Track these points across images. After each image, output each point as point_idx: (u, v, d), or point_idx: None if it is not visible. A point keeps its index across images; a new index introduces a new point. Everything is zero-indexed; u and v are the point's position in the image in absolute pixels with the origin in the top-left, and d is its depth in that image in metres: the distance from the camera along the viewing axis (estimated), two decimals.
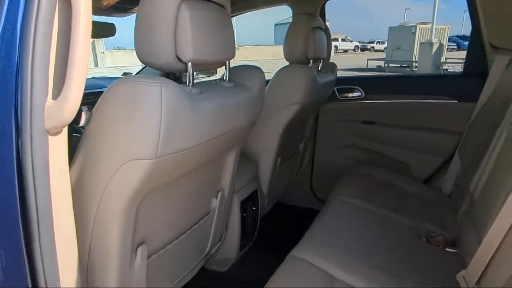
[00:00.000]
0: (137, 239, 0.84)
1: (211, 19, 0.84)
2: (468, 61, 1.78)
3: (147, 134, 0.66)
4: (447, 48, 15.60)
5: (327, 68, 1.84)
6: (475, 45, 1.71)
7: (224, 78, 0.99)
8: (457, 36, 26.08)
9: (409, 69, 14.23)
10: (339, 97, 2.04)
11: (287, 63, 1.60)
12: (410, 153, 1.91)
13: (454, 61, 14.13)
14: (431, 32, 13.69)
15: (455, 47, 23.31)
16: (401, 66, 14.76)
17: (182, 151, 0.75)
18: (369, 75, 2.08)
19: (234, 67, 1.07)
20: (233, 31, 0.94)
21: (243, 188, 1.45)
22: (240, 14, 2.13)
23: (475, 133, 1.61)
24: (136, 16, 0.78)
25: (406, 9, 30.69)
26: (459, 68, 13.51)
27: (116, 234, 0.74)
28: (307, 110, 1.61)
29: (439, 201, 1.63)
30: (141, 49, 0.78)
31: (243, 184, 1.44)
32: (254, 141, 1.55)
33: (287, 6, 1.99)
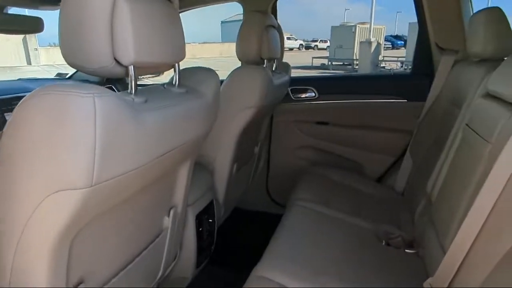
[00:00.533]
0: (73, 281, 0.69)
1: (156, 14, 0.71)
2: (416, 61, 1.83)
3: (77, 157, 0.52)
4: (384, 47, 16.64)
5: (281, 68, 1.78)
6: (422, 46, 1.75)
7: (173, 83, 0.86)
8: (391, 35, 27.96)
9: (350, 66, 14.92)
10: (292, 98, 1.99)
11: (236, 61, 1.51)
12: (363, 152, 1.92)
13: (391, 59, 15.17)
14: (369, 31, 14.48)
15: (390, 46, 24.98)
16: (343, 64, 15.43)
17: (124, 174, 0.62)
18: (323, 75, 2.08)
19: (185, 69, 0.94)
20: (182, 29, 0.81)
21: (198, 200, 1.33)
22: (187, 10, 1.99)
23: (425, 132, 1.65)
24: (60, 9, 0.62)
25: (346, 9, 32.20)
26: (395, 66, 14.53)
27: (43, 283, 0.59)
28: (263, 112, 1.53)
29: (393, 200, 1.65)
30: (68, 50, 0.63)
31: (197, 196, 1.32)
32: (208, 149, 1.43)
33: (237, 3, 1.89)
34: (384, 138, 1.85)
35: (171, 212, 1.05)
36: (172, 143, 0.78)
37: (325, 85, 1.98)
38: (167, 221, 1.05)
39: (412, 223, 1.41)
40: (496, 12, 1.22)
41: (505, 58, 1.26)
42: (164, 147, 0.75)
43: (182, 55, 0.82)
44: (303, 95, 1.99)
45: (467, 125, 1.10)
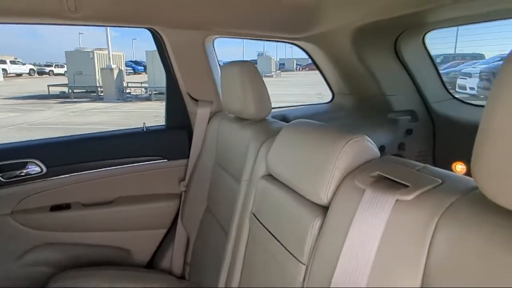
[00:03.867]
0: None
1: None
2: (169, 114, 1.57)
3: None
4: (126, 73, 16.46)
5: None
6: (174, 97, 1.51)
7: None
8: (131, 61, 28.37)
9: (94, 94, 13.81)
10: (2, 179, 1.29)
11: None
12: (126, 234, 1.48)
13: (135, 85, 15.15)
14: (109, 58, 13.90)
15: (132, 71, 25.22)
16: (86, 92, 14.06)
17: None
18: (50, 139, 1.44)
19: None
20: None
21: None
22: None
23: (194, 197, 1.42)
24: None
25: (80, 33, 29.59)
26: (140, 92, 14.62)
27: None
28: None
29: None
30: None
31: None
32: None
33: None
34: (148, 210, 1.48)
35: None
36: None
37: (57, 152, 1.40)
38: None
39: None
40: (248, 67, 1.10)
41: (267, 118, 1.19)
42: None
43: None
44: (22, 172, 1.33)
45: (254, 215, 0.90)
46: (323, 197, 0.66)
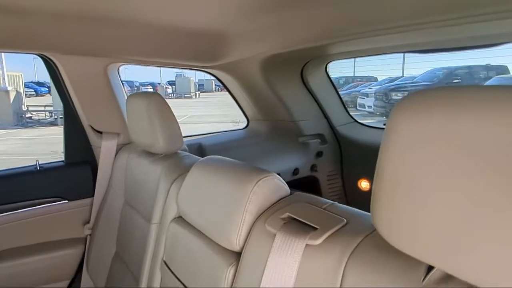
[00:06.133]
0: None
1: None
2: (68, 149, 1.40)
3: None
4: (26, 95, 14.74)
5: None
6: (73, 129, 1.36)
7: None
8: (33, 82, 25.55)
9: None
10: None
11: None
12: None
13: (38, 109, 13.59)
14: (3, 79, 12.28)
15: (34, 93, 22.69)
16: None
17: None
18: None
19: None
20: None
21: None
22: None
23: (101, 244, 1.27)
24: None
25: None
26: (43, 116, 13.16)
27: None
28: None
29: None
30: None
31: None
32: None
33: None
34: (46, 261, 1.28)
35: None
36: None
37: None
38: None
39: None
40: (155, 100, 1.05)
41: (180, 151, 1.13)
42: None
43: None
44: None
45: (165, 263, 0.83)
46: (235, 243, 0.63)
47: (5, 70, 12.44)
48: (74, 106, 1.32)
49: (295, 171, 1.78)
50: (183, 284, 0.74)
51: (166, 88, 27.24)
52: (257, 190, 0.64)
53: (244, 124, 2.00)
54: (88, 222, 1.35)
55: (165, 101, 1.07)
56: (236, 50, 1.35)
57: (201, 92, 32.53)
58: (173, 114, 1.07)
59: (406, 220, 0.37)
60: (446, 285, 0.39)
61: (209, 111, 15.09)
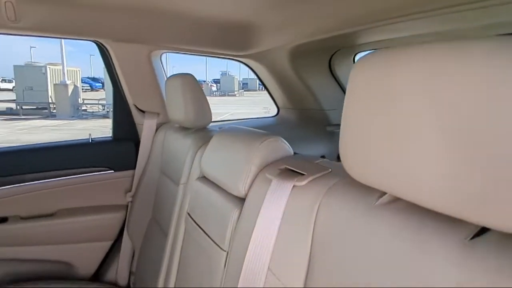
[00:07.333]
0: None
1: None
2: (116, 125, 1.60)
3: None
4: (82, 89, 15.89)
5: None
6: (121, 108, 1.55)
7: None
8: (89, 77, 27.46)
9: (46, 110, 13.16)
10: None
11: None
12: (69, 247, 1.46)
13: (92, 102, 14.67)
14: (63, 73, 13.37)
15: (89, 88, 24.39)
16: (37, 108, 13.36)
17: None
18: None
19: None
20: None
21: None
22: None
23: (140, 208, 1.45)
24: None
25: (31, 47, 28.15)
26: (96, 109, 14.17)
27: None
28: None
29: None
30: None
31: None
32: None
33: None
34: (93, 222, 1.48)
35: None
36: None
37: None
38: None
39: None
40: (189, 79, 1.19)
41: (207, 127, 1.27)
42: None
43: None
44: None
45: (188, 214, 0.97)
46: (242, 190, 0.74)
47: (65, 65, 13.55)
48: (122, 87, 1.50)
49: (322, 157, 1.85)
50: (201, 228, 0.87)
51: (211, 86, 27.95)
52: (262, 148, 0.75)
53: (275, 113, 2.10)
54: (129, 191, 1.53)
55: (197, 81, 1.21)
56: (265, 40, 1.46)
57: (244, 90, 33.02)
58: (203, 93, 1.21)
59: (362, 156, 0.46)
60: (395, 205, 0.47)
61: (251, 109, 15.35)
